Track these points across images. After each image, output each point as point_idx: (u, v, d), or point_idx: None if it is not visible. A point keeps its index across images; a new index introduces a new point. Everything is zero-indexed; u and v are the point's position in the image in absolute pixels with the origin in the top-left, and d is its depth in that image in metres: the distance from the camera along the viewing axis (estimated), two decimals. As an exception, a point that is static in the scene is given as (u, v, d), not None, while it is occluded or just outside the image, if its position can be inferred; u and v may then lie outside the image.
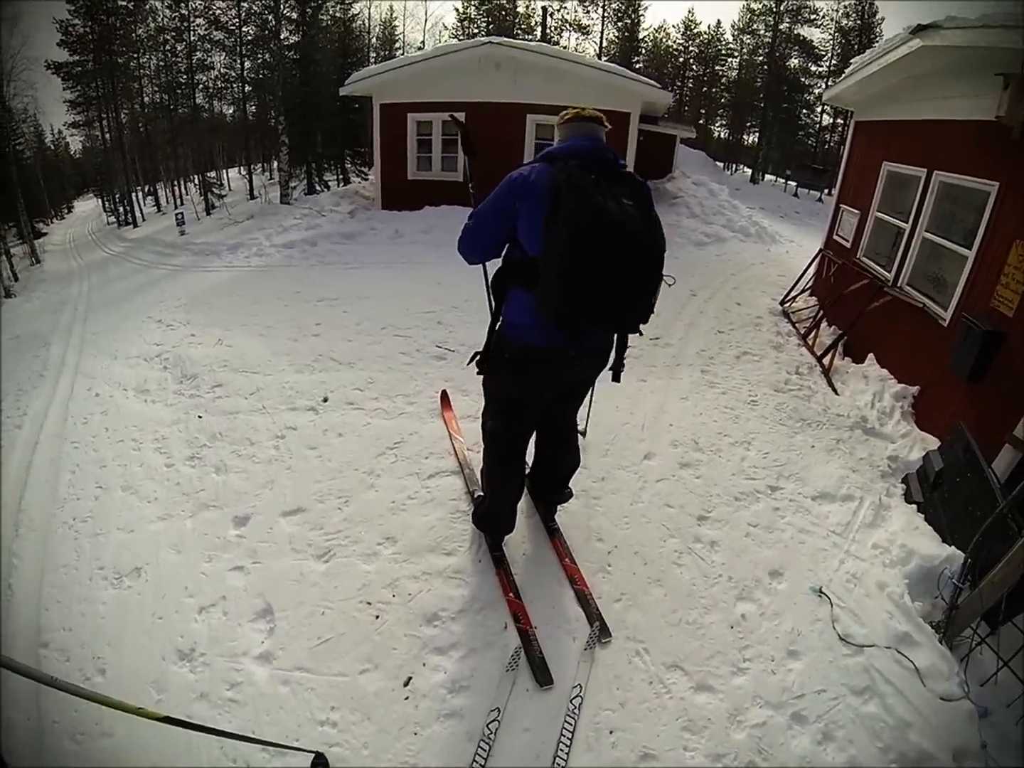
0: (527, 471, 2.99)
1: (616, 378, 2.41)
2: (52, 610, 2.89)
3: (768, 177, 28.91)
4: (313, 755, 1.94)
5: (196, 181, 24.82)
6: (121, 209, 24.50)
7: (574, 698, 2.16)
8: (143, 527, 3.34)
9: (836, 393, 4.80)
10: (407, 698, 2.21)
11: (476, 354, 2.45)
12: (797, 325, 6.33)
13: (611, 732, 2.10)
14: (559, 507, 3.03)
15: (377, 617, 2.56)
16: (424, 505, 3.22)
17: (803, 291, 7.21)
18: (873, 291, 5.24)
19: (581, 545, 2.91)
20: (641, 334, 2.27)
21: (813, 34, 29.23)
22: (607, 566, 2.81)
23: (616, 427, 3.86)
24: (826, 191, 21.39)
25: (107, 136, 24.57)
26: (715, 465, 3.65)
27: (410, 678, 2.27)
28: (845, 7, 28.43)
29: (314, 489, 3.41)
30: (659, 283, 2.12)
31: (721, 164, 28.44)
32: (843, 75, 6.78)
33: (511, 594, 2.61)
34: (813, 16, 28.89)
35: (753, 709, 2.19)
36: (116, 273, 12.42)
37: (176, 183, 26.37)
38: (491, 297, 2.41)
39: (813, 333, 5.84)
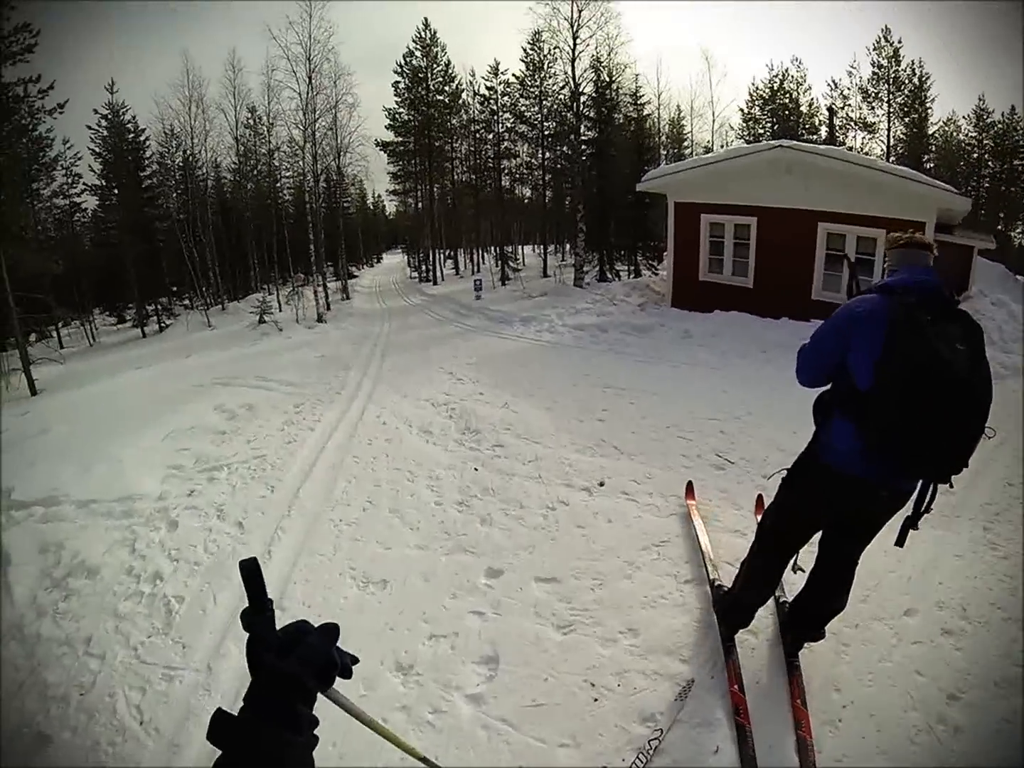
0: (785, 599, 3.03)
1: (901, 541, 2.32)
2: (299, 585, 3.44)
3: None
4: None
5: (493, 252, 28.08)
6: (423, 267, 28.84)
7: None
8: (400, 549, 3.80)
9: None
10: (593, 785, 2.24)
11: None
12: None
13: None
14: (805, 645, 2.88)
15: (596, 700, 2.62)
16: (674, 608, 3.21)
17: None
18: None
19: (817, 690, 2.73)
20: (951, 486, 2.21)
21: None
22: (838, 721, 2.60)
23: (881, 573, 3.55)
24: None
25: (419, 204, 29.54)
26: (981, 640, 3.15)
27: (605, 767, 2.31)
28: None
29: (572, 565, 3.55)
30: (981, 432, 2.09)
31: (1021, 279, 24.09)
32: None
33: (735, 686, 2.59)
34: None
35: None
36: (415, 322, 14.32)
37: (475, 251, 30.24)
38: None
39: None
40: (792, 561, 2.71)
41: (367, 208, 46.02)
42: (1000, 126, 28.47)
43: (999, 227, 27.30)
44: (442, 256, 30.44)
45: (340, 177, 25.65)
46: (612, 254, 22.28)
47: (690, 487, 4.30)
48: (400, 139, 27.29)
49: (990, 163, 29.23)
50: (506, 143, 27.00)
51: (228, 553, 3.84)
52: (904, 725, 2.60)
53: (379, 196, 44.25)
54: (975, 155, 29.24)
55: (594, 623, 3.06)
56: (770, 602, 3.01)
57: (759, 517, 3.89)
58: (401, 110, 26.68)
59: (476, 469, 4.84)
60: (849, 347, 2.18)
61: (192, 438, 6.00)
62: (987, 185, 29.34)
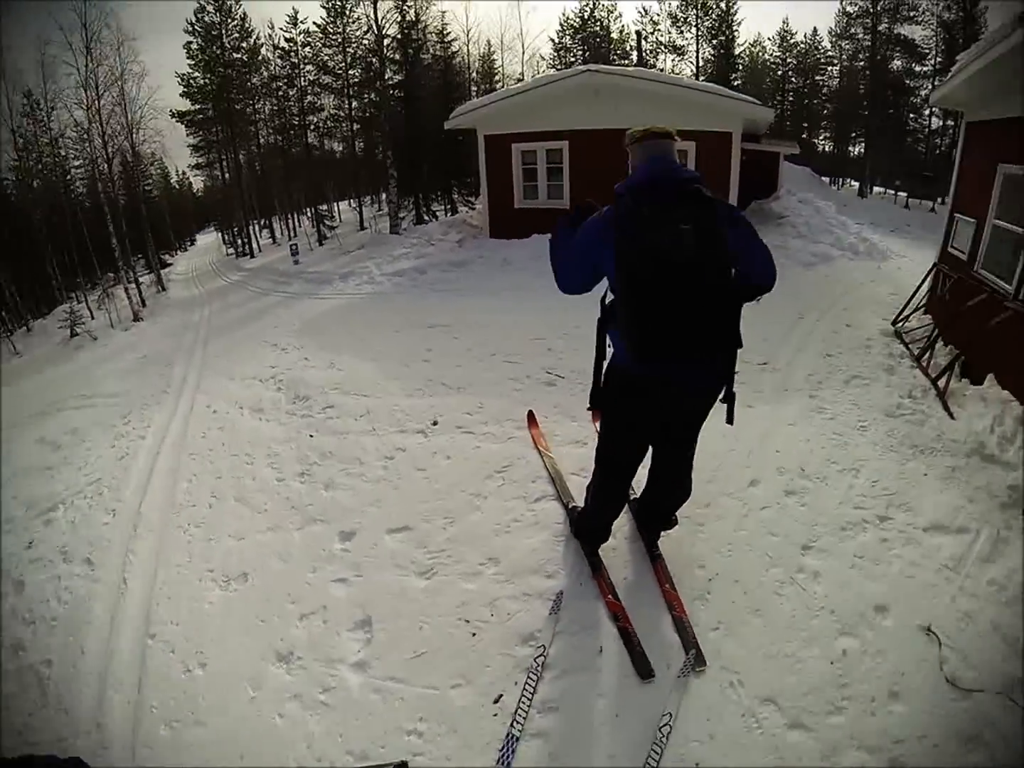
0: (635, 496, 3.09)
1: (729, 419, 2.40)
2: (162, 605, 3.15)
3: (877, 189, 27.36)
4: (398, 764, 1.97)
5: (309, 214, 26.53)
6: (239, 241, 26.49)
7: (663, 726, 2.10)
8: (253, 536, 3.58)
9: (952, 417, 4.42)
10: (495, 715, 2.23)
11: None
12: (910, 346, 5.91)
13: (697, 765, 2.03)
14: (663, 534, 3.00)
15: (474, 635, 2.60)
16: (529, 528, 3.25)
17: (916, 309, 6.71)
18: (993, 306, 4.82)
19: (682, 571, 2.85)
20: (730, 364, 2.27)
21: (915, 32, 27.20)
22: (707, 594, 2.74)
23: (722, 453, 3.76)
24: (939, 200, 19.96)
25: (226, 175, 26.99)
26: (822, 493, 3.47)
27: (501, 696, 2.30)
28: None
29: (420, 509, 3.52)
30: (727, 306, 2.15)
31: (827, 179, 27.16)
32: (949, 74, 6.32)
33: (610, 596, 2.67)
34: (913, 13, 26.86)
35: (849, 751, 2.04)
36: (234, 300, 13.42)
37: (290, 216, 28.40)
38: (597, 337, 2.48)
39: (928, 354, 5.43)
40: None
41: (172, 188, 41.88)
42: (802, 46, 31.46)
43: (803, 136, 30.29)
44: (257, 227, 28.31)
45: (136, 157, 22.36)
46: (427, 196, 22.05)
47: (531, 417, 4.34)
48: (197, 107, 24.51)
49: (793, 79, 32.25)
50: (310, 97, 25.21)
51: (83, 596, 3.43)
52: (768, 582, 2.79)
53: (183, 173, 40.56)
54: (779, 72, 32.12)
55: (454, 561, 3.07)
56: None
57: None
58: (196, 74, 23.87)
59: (311, 436, 4.69)
60: (599, 257, 2.24)
61: (18, 484, 5.27)
62: (791, 99, 32.44)
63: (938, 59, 26.45)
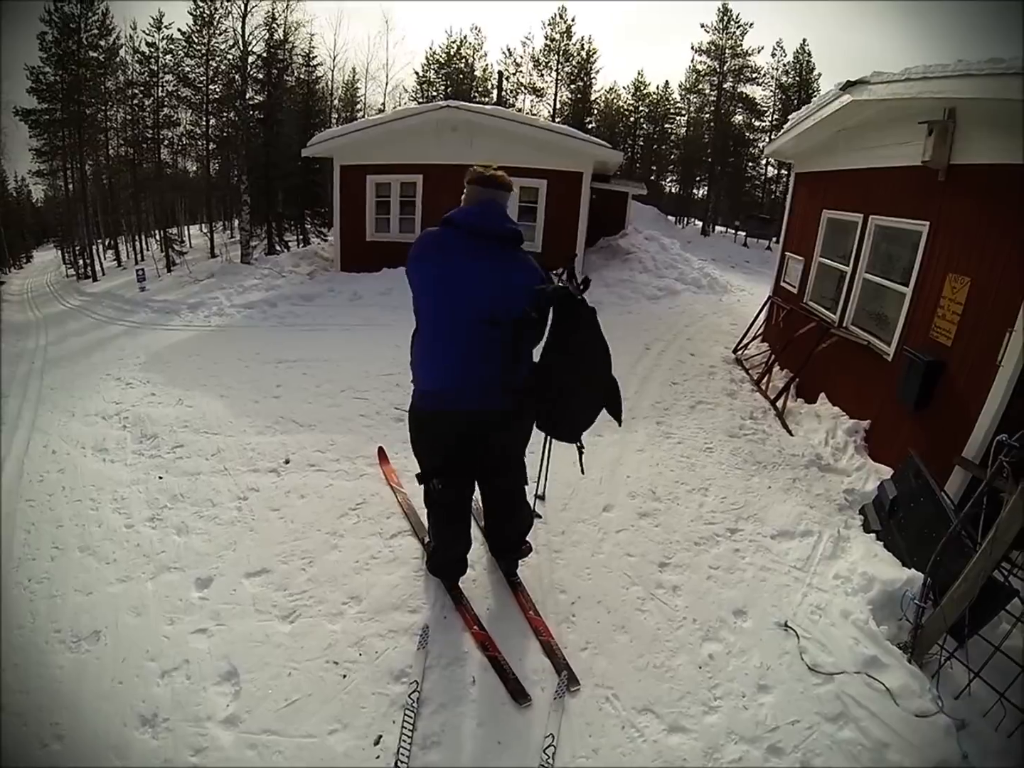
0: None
1: (582, 469, 2.70)
2: (8, 672, 2.75)
3: (719, 228, 30.13)
4: None
5: (158, 237, 24.64)
6: (81, 262, 24.10)
7: (547, 748, 2.16)
8: (102, 589, 3.23)
9: (791, 434, 4.98)
10: (378, 757, 2.17)
11: None
12: (750, 371, 6.55)
13: None
14: (520, 562, 3.07)
15: (344, 676, 2.52)
16: (388, 564, 3.23)
17: (755, 338, 7.48)
18: (820, 333, 5.50)
19: (544, 597, 2.94)
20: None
21: (755, 92, 31.09)
22: (571, 616, 2.84)
23: (574, 481, 3.89)
24: (774, 240, 22.27)
25: (71, 187, 24.49)
26: (674, 513, 3.74)
27: (380, 736, 2.24)
28: (784, 65, 30.39)
29: (277, 550, 3.39)
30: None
31: (673, 218, 29.74)
32: (782, 130, 7.26)
33: (475, 627, 2.69)
34: (755, 75, 30.70)
35: (728, 746, 2.21)
36: (74, 327, 12.17)
37: (137, 238, 26.21)
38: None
39: (766, 378, 6.06)
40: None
41: (8, 196, 37.18)
42: (654, 96, 33.93)
43: (652, 178, 32.71)
44: (101, 247, 25.78)
45: None
46: (281, 225, 21.44)
47: (382, 453, 4.37)
48: (45, 106, 22.10)
49: (644, 125, 34.71)
50: (167, 109, 23.52)
51: None
52: (630, 600, 2.97)
53: (22, 179, 36.02)
54: (632, 118, 34.40)
55: (316, 602, 2.97)
56: (477, 532, 3.19)
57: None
58: (47, 69, 21.54)
59: (160, 477, 4.36)
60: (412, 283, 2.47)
61: None
62: (642, 144, 34.99)
63: (775, 116, 30.14)
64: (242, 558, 3.34)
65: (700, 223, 30.85)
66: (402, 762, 2.09)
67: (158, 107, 23.23)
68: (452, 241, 2.38)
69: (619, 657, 2.61)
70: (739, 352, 7.25)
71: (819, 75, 30.10)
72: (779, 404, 5.47)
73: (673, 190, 35.99)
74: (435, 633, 2.71)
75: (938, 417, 3.81)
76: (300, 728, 2.31)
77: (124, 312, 12.36)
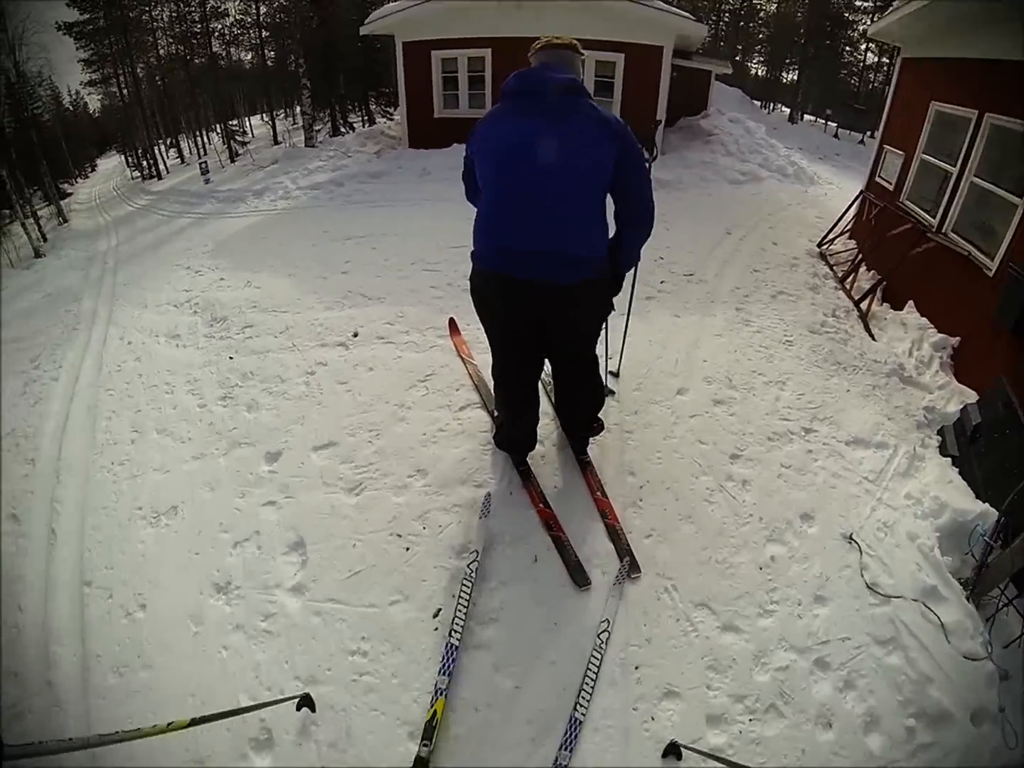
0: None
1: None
2: (94, 551, 2.99)
3: (807, 117, 27.51)
4: (298, 698, 1.94)
5: (218, 130, 24.46)
6: (144, 163, 24.21)
7: (601, 632, 2.15)
8: (178, 467, 3.42)
9: (873, 339, 4.63)
10: (436, 629, 2.22)
11: None
12: (835, 268, 6.09)
13: (636, 668, 2.10)
14: (591, 440, 2.98)
15: (407, 549, 2.56)
16: (455, 437, 3.19)
17: (842, 234, 6.89)
18: (916, 236, 4.99)
19: (612, 479, 2.87)
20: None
21: None
22: (638, 501, 2.77)
23: (649, 361, 3.77)
24: (868, 134, 20.33)
25: (124, 92, 24.11)
26: (749, 404, 3.55)
27: (440, 609, 2.28)
28: None
29: (345, 423, 3.41)
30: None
31: (758, 103, 27.06)
32: (889, 9, 6.32)
33: (541, 505, 2.65)
34: None
35: (777, 652, 2.16)
36: (143, 225, 12.48)
37: (197, 133, 26.10)
38: None
39: (851, 277, 5.62)
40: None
41: (65, 110, 37.05)
42: None
43: (737, 58, 29.61)
44: (163, 147, 25.75)
45: (21, 79, 19.85)
46: (344, 107, 20.79)
47: (453, 324, 4.27)
48: (87, 16, 21.46)
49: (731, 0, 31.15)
50: (213, 2, 22.54)
51: (12, 554, 3.22)
52: (698, 489, 2.86)
53: (76, 93, 35.46)
54: None
55: (381, 475, 2.99)
56: (548, 407, 3.10)
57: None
58: None
59: (231, 358, 4.46)
60: (474, 157, 2.35)
61: None
62: (727, 20, 31.68)
63: None
64: (310, 432, 3.40)
65: (787, 110, 28.20)
66: (456, 632, 2.12)
67: (204, 0, 22.31)
68: (505, 106, 2.24)
69: (682, 548, 2.54)
70: (824, 246, 6.72)
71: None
72: (863, 306, 5.07)
73: (760, 73, 32.79)
74: (500, 508, 2.70)
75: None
76: (363, 598, 2.37)
77: (190, 205, 12.52)
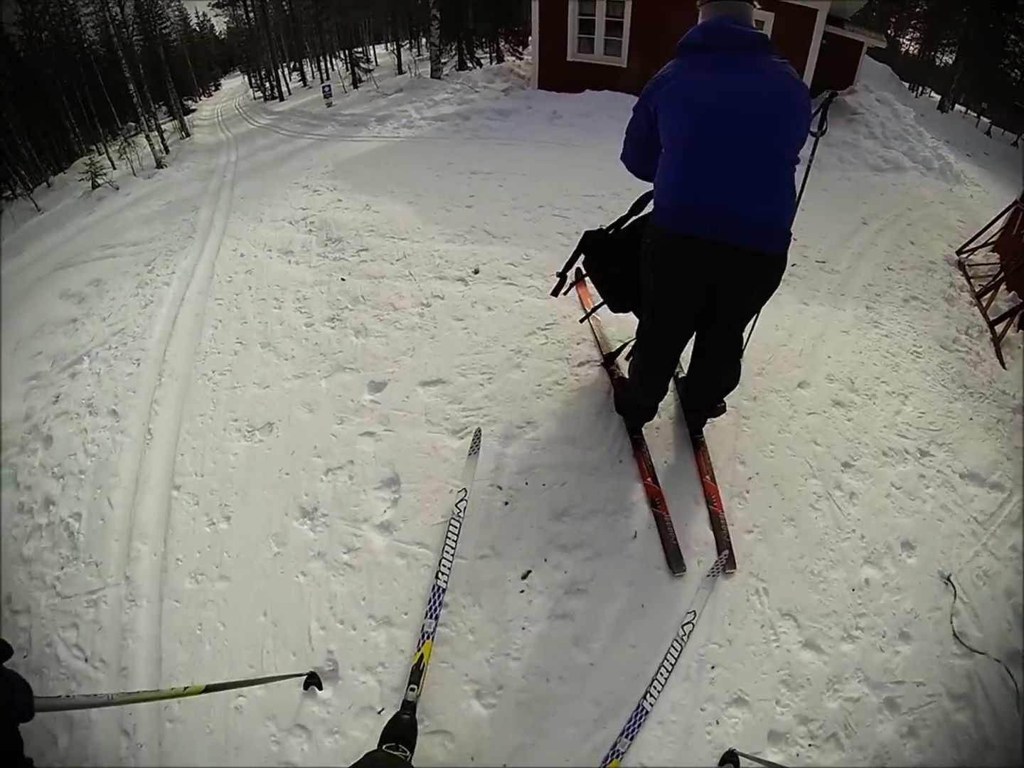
0: (682, 374, 2.92)
1: None
2: (187, 456, 3.09)
3: (959, 107, 25.11)
4: (306, 676, 1.96)
5: (342, 57, 24.59)
6: (267, 84, 24.80)
7: (686, 623, 2.08)
8: (279, 384, 3.45)
9: (1004, 367, 4.22)
10: (522, 591, 2.19)
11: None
12: (972, 281, 5.55)
13: (712, 667, 2.05)
14: (709, 420, 2.85)
15: (506, 504, 2.50)
16: (570, 393, 3.05)
17: (985, 244, 6.25)
18: None
19: (723, 464, 2.74)
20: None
21: None
22: (745, 492, 2.64)
23: (774, 347, 3.57)
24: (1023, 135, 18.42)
25: (251, 15, 24.77)
26: (868, 411, 3.31)
27: (529, 571, 2.24)
28: None
29: (457, 362, 3.30)
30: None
31: (906, 84, 24.90)
32: None
33: (649, 479, 2.57)
34: None
35: (852, 682, 2.06)
36: (263, 143, 12.78)
37: (321, 59, 26.46)
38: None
39: (990, 294, 5.11)
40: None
41: (192, 31, 38.44)
42: None
43: (888, 31, 27.20)
44: (286, 70, 26.38)
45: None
46: (471, 42, 20.35)
47: (580, 275, 3.97)
48: None
49: None
50: None
51: (109, 448, 3.40)
52: (805, 492, 2.70)
53: (203, 15, 37.04)
54: None
55: (490, 421, 2.87)
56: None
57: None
58: None
59: (343, 279, 4.40)
60: (657, 113, 2.06)
61: (43, 338, 5.16)
62: None
63: None
64: (419, 365, 3.33)
65: (938, 96, 25.76)
66: (443, 574, 2.10)
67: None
68: (695, 59, 2.00)
69: (781, 551, 2.42)
70: (964, 255, 6.13)
71: None
72: (998, 329, 4.60)
73: (912, 51, 29.78)
74: (608, 476, 2.61)
75: None
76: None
77: (311, 126, 12.71)
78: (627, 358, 2.97)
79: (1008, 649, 2.21)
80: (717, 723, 1.92)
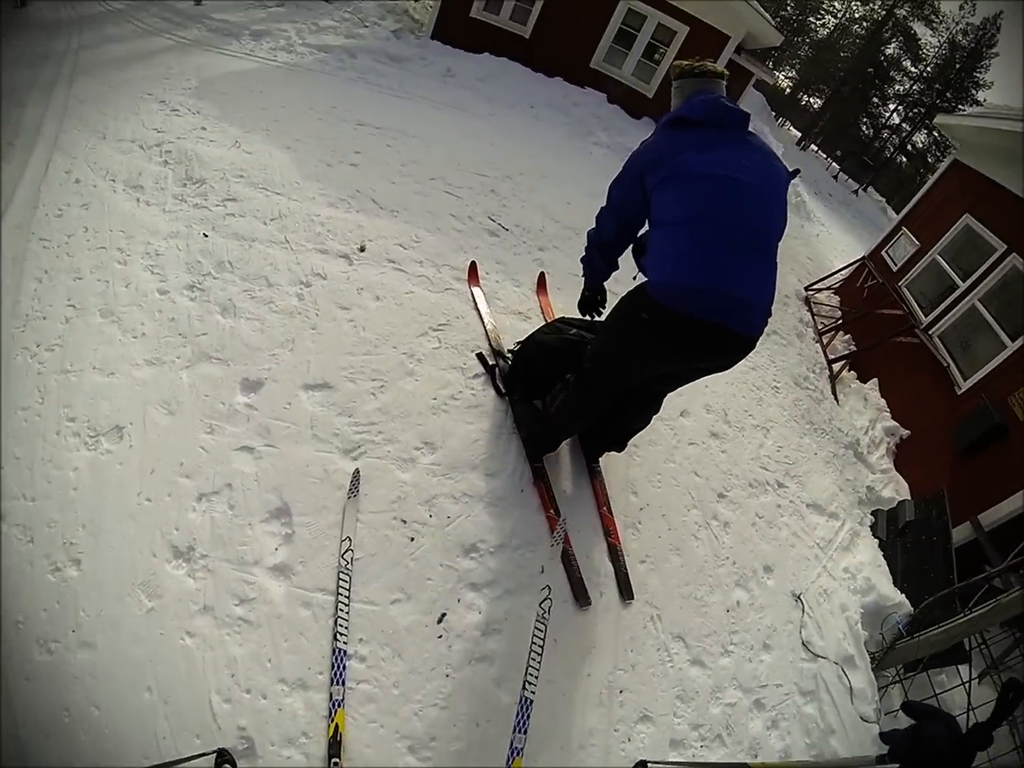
0: None
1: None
2: (9, 468, 2.18)
3: (812, 148, 27.96)
4: (215, 753, 1.60)
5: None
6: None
7: (543, 601, 2.16)
8: (126, 370, 2.63)
9: (838, 403, 4.88)
10: (440, 636, 2.05)
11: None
12: (816, 318, 6.29)
13: (621, 692, 2.17)
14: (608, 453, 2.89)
15: (412, 539, 2.28)
16: (468, 411, 2.87)
17: (829, 288, 7.09)
18: (903, 326, 5.16)
19: (617, 494, 2.83)
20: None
21: (925, 34, 27.67)
22: (638, 524, 2.77)
23: None
24: (864, 187, 20.95)
25: None
26: (738, 443, 3.64)
27: (444, 614, 2.10)
28: (967, 24, 26.91)
29: (344, 363, 2.90)
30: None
31: (773, 114, 27.23)
32: (972, 111, 6.69)
33: (551, 511, 2.55)
34: (932, 17, 27.19)
35: (729, 689, 2.37)
36: (113, 33, 10.61)
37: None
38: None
39: (831, 335, 5.82)
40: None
41: None
42: None
43: (768, 63, 29.27)
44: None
45: None
46: None
47: (474, 270, 3.89)
48: None
49: (789, 6, 30.87)
50: None
51: None
52: (688, 522, 2.93)
53: None
54: None
55: (385, 440, 2.58)
56: None
57: (540, 299, 3.92)
58: None
59: (206, 235, 3.62)
60: (653, 189, 2.02)
61: None
62: (777, 23, 30.85)
63: (928, 68, 27.08)
64: (301, 363, 2.84)
65: (798, 134, 28.37)
66: (341, 635, 1.94)
67: None
68: (699, 135, 1.95)
69: (670, 579, 2.62)
70: (810, 292, 6.87)
71: (996, 54, 26.78)
72: (835, 367, 5.31)
73: (784, 86, 32.44)
74: (511, 507, 2.53)
75: (976, 471, 3.79)
76: (360, 592, 2.07)
77: (174, 25, 10.81)
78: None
79: (843, 654, 2.70)
80: (629, 740, 2.07)
